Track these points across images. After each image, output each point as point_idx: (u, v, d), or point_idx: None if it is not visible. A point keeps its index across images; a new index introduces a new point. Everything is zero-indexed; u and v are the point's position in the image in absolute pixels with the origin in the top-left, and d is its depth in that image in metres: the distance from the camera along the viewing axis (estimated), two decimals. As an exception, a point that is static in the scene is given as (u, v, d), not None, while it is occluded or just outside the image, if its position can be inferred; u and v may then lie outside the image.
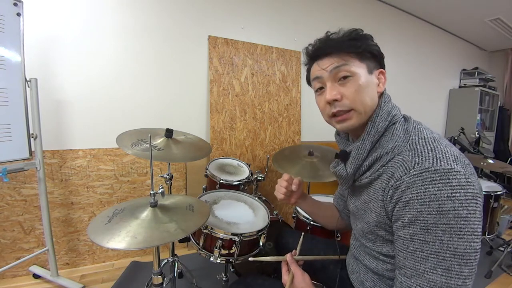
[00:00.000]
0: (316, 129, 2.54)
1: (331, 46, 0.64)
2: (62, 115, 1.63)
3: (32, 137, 1.34)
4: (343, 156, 0.69)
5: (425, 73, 3.50)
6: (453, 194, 0.48)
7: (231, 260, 1.02)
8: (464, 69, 3.99)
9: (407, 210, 0.52)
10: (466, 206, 0.48)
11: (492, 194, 1.91)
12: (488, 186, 2.07)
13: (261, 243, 1.06)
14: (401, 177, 0.54)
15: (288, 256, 0.80)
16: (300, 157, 1.67)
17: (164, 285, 0.93)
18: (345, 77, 0.62)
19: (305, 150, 1.70)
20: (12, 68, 1.23)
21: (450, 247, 0.49)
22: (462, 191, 0.48)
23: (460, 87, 3.99)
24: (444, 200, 0.48)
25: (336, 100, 0.64)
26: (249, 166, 1.74)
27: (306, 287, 0.71)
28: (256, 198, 1.30)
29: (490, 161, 2.25)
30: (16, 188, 1.53)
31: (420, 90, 3.47)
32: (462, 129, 3.12)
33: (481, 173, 3.00)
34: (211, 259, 1.00)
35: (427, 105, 3.63)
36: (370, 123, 0.63)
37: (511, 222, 2.39)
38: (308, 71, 0.73)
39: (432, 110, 3.76)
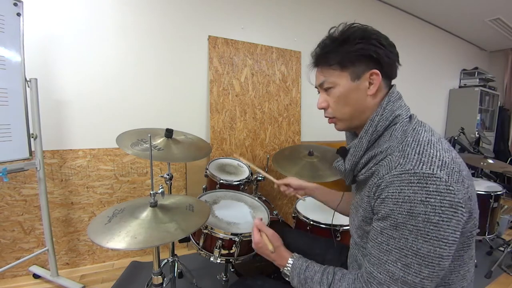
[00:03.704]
0: (316, 129, 2.54)
1: (318, 59, 0.70)
2: (62, 115, 1.63)
3: (32, 137, 1.34)
4: (342, 152, 0.72)
5: (425, 73, 3.50)
6: (427, 199, 0.49)
7: (231, 260, 1.02)
8: (464, 69, 3.99)
9: (382, 206, 0.55)
10: (439, 213, 0.49)
11: (492, 194, 1.90)
12: (488, 186, 2.06)
13: (261, 243, 1.05)
14: (384, 175, 0.56)
15: (256, 220, 0.85)
16: (300, 157, 1.67)
17: (164, 285, 0.93)
18: (328, 88, 0.68)
19: (305, 150, 1.70)
20: (12, 68, 1.23)
21: (413, 247, 0.51)
22: (438, 197, 0.49)
23: (460, 87, 3.99)
24: (417, 203, 0.50)
25: (323, 108, 0.72)
26: (249, 166, 1.74)
27: (279, 241, 0.80)
28: (256, 198, 1.30)
29: (490, 161, 2.25)
30: (16, 188, 1.53)
31: (420, 90, 3.47)
32: (462, 129, 3.12)
33: (481, 173, 3.00)
34: (211, 259, 1.00)
35: (427, 105, 3.63)
36: (369, 121, 0.63)
37: (511, 222, 2.39)
38: None
39: (432, 110, 3.76)
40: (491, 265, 1.87)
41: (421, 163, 0.52)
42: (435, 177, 0.50)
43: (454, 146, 3.22)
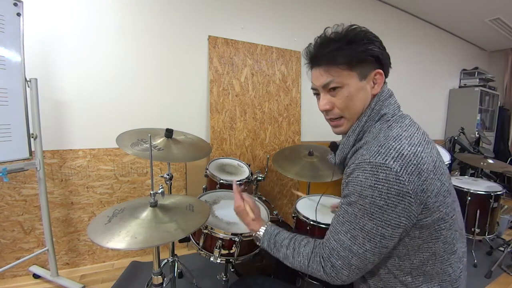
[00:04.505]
0: (316, 129, 2.54)
1: (322, 57, 0.68)
2: (62, 115, 1.62)
3: (32, 137, 1.34)
4: (333, 147, 0.78)
5: (425, 73, 3.50)
6: (376, 185, 0.56)
7: (231, 260, 1.02)
8: (464, 69, 3.99)
9: (346, 189, 0.63)
10: (385, 199, 0.56)
11: (492, 194, 1.90)
12: (488, 186, 2.06)
13: (261, 243, 1.05)
14: (350, 165, 0.63)
15: (237, 187, 0.92)
16: (300, 157, 1.67)
17: (164, 285, 0.93)
18: (335, 88, 0.67)
19: (305, 150, 1.70)
20: (12, 68, 1.23)
21: (360, 223, 0.59)
22: (386, 185, 0.55)
23: (460, 87, 3.99)
24: (366, 187, 0.57)
25: (327, 109, 0.71)
26: (249, 166, 1.74)
27: (257, 211, 0.87)
28: (256, 198, 1.30)
29: (490, 161, 2.25)
30: (16, 188, 1.53)
31: (420, 90, 3.46)
32: (462, 129, 3.12)
33: (481, 173, 3.00)
34: (211, 259, 1.00)
35: (427, 105, 3.62)
36: (357, 122, 0.69)
37: (511, 222, 2.39)
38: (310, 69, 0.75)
39: (432, 110, 3.75)
40: (491, 265, 1.87)
41: (378, 154, 0.58)
42: (386, 166, 0.56)
43: (454, 146, 3.22)
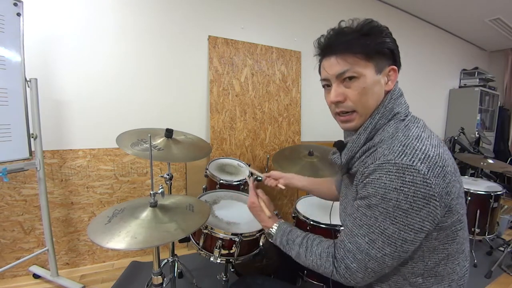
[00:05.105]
0: (316, 129, 2.53)
1: (338, 45, 0.64)
2: (62, 115, 1.62)
3: (32, 137, 1.34)
4: (339, 146, 0.73)
5: (425, 73, 3.50)
6: (401, 188, 0.53)
7: (231, 260, 1.02)
8: (464, 69, 3.99)
9: (363, 189, 0.60)
10: (410, 202, 0.53)
11: (492, 194, 1.90)
12: (488, 186, 2.06)
13: (261, 243, 1.06)
14: (369, 165, 0.59)
15: (254, 184, 0.94)
16: (300, 157, 1.67)
17: (164, 285, 0.93)
18: (350, 78, 0.63)
19: (305, 150, 1.70)
20: (12, 68, 1.23)
21: (381, 226, 0.56)
22: (413, 188, 0.52)
23: (460, 87, 3.99)
24: (391, 190, 0.54)
25: (339, 102, 0.66)
26: (249, 166, 1.73)
27: (272, 208, 0.87)
28: (256, 198, 1.29)
29: (490, 161, 2.25)
30: (16, 188, 1.53)
31: (420, 90, 3.47)
32: (462, 129, 3.11)
33: (481, 173, 3.00)
34: (211, 259, 1.01)
35: (427, 105, 3.62)
36: (369, 119, 0.65)
37: (511, 222, 2.39)
38: (320, 61, 0.72)
39: (432, 110, 3.76)
40: (491, 265, 1.87)
41: (403, 155, 0.55)
42: (413, 168, 0.53)
43: (454, 146, 3.22)
